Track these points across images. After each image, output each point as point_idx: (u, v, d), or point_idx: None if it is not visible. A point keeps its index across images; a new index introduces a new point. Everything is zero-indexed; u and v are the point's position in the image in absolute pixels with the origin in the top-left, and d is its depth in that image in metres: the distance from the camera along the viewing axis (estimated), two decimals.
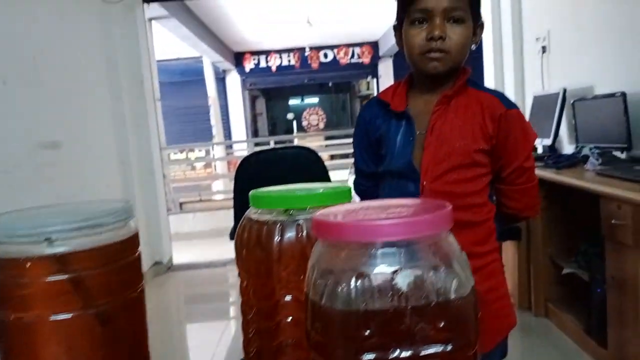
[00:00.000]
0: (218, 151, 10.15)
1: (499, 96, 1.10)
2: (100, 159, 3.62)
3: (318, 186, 0.61)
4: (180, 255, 4.62)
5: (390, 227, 0.38)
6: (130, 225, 0.64)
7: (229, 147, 10.78)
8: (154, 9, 5.54)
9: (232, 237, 2.10)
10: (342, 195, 0.56)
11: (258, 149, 10.47)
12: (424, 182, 1.07)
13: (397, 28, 1.12)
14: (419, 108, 1.11)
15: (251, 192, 0.59)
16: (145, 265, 4.09)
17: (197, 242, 5.43)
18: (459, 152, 1.06)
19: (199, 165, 10.47)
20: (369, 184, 1.23)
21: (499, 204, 1.16)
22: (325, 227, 0.40)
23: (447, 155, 1.07)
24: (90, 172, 3.43)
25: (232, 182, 2.03)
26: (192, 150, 10.40)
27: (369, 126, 1.18)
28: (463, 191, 1.07)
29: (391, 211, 0.42)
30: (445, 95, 1.08)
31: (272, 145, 9.25)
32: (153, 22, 6.34)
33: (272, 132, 14.24)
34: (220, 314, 3.48)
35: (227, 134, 11.66)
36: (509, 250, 2.94)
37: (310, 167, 1.94)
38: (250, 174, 1.97)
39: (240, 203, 1.99)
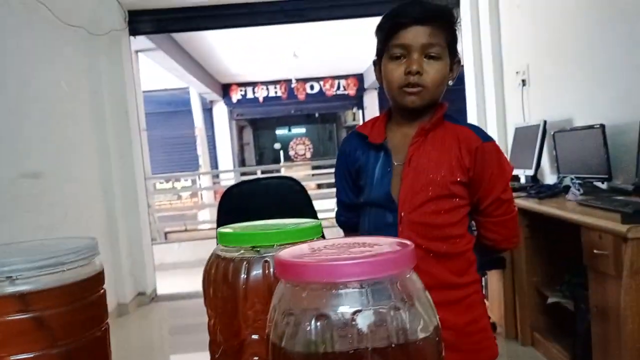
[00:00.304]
0: (204, 181, 10.13)
1: (475, 129, 1.13)
2: (83, 189, 3.59)
3: (287, 222, 0.60)
4: (165, 285, 4.55)
5: (351, 266, 0.37)
6: (95, 263, 0.62)
7: (216, 176, 10.76)
8: (141, 41, 5.59)
9: None
10: (311, 232, 0.56)
11: (244, 178, 10.47)
12: (402, 213, 1.09)
13: (377, 62, 1.15)
14: (397, 140, 1.14)
15: (218, 229, 0.58)
16: (129, 296, 4.03)
17: (182, 272, 5.35)
18: (436, 183, 1.08)
19: (185, 194, 10.40)
20: (350, 215, 1.25)
21: (478, 235, 1.17)
22: (286, 267, 0.39)
23: (424, 187, 1.08)
24: (72, 202, 3.39)
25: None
26: (178, 180, 10.36)
27: (349, 158, 1.21)
28: (441, 222, 1.08)
29: (354, 250, 0.42)
30: (423, 128, 1.11)
31: (259, 174, 9.26)
32: (140, 54, 6.41)
33: (260, 161, 14.27)
34: (204, 346, 3.38)
35: (214, 163, 11.65)
36: (494, 280, 2.94)
37: (294, 197, 1.94)
38: (233, 205, 1.95)
39: None
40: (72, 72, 3.60)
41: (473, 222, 1.18)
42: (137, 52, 6.38)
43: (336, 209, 1.28)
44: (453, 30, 1.11)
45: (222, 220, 1.96)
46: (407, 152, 1.11)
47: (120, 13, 4.02)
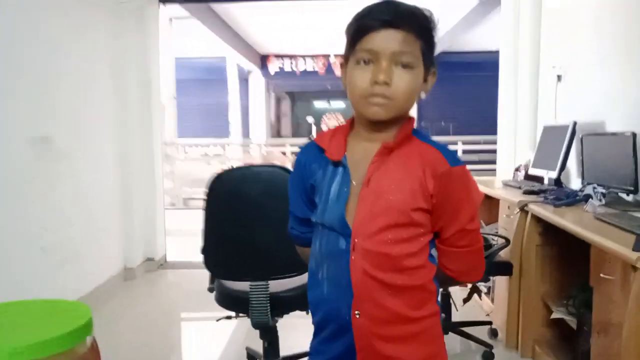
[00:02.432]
0: (234, 148, 10.16)
1: (444, 151, 0.99)
2: (97, 154, 3.61)
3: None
4: (176, 252, 4.57)
5: None
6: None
7: (246, 145, 10.79)
8: (176, 9, 5.55)
9: (202, 251, 2.03)
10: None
11: (273, 149, 10.38)
12: (356, 240, 0.97)
13: (344, 65, 1.02)
14: (358, 156, 1.01)
15: None
16: (137, 260, 4.07)
17: (197, 239, 5.35)
18: (396, 208, 0.96)
19: (213, 161, 10.46)
20: (303, 230, 1.13)
21: (439, 263, 1.05)
22: None
23: (382, 212, 0.96)
24: (85, 167, 3.41)
25: None
26: (208, 146, 10.41)
27: (304, 171, 1.08)
28: (398, 253, 0.97)
29: None
30: (386, 147, 0.98)
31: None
32: (175, 20, 6.37)
33: (295, 132, 14.26)
34: (207, 312, 3.35)
35: (246, 132, 11.68)
36: (501, 284, 2.81)
37: (285, 186, 1.86)
38: (223, 192, 1.88)
39: (212, 221, 1.91)
40: (94, 37, 3.58)
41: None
42: (171, 19, 6.37)
43: (289, 220, 1.18)
44: (430, 37, 0.97)
45: (210, 208, 1.90)
46: (366, 171, 0.99)
47: None
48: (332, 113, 13.78)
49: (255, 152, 8.56)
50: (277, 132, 13.92)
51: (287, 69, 11.31)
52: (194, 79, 10.94)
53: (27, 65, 2.79)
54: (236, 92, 10.40)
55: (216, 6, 6.60)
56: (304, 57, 11.02)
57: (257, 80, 11.88)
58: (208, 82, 11.41)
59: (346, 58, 1.01)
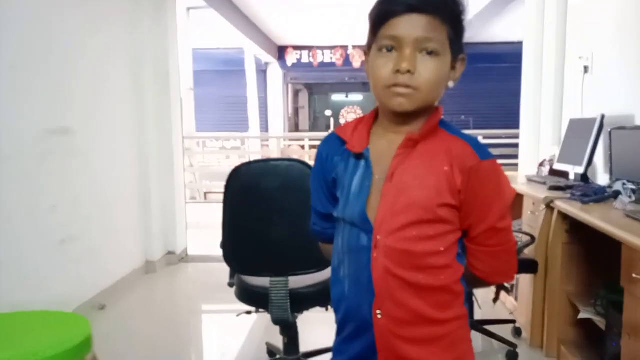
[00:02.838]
0: (253, 142, 10.14)
1: (473, 143, 0.93)
2: (115, 147, 3.61)
3: None
4: (198, 246, 4.58)
5: None
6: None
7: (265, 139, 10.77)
8: None
9: (222, 245, 2.01)
10: None
11: (291, 143, 10.35)
12: (378, 236, 0.93)
13: (367, 53, 0.97)
14: (381, 149, 0.96)
15: None
16: (158, 254, 4.08)
17: (217, 233, 5.36)
18: (420, 205, 0.91)
19: (232, 155, 10.47)
20: (326, 225, 1.09)
21: (467, 262, 1.00)
22: None
23: (406, 208, 0.91)
24: (103, 160, 3.41)
25: None
26: (228, 140, 10.41)
27: (325, 164, 1.04)
28: (422, 250, 0.92)
29: None
30: (410, 139, 0.93)
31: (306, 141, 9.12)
32: (192, 11, 6.35)
33: (314, 125, 14.20)
34: (228, 306, 3.34)
35: (265, 125, 11.66)
36: (525, 282, 2.75)
37: (304, 181, 1.82)
38: (241, 185, 1.86)
39: (231, 215, 1.89)
40: (112, 28, 3.57)
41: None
42: (189, 9, 6.34)
43: (312, 215, 1.14)
44: (459, 22, 0.92)
45: (229, 200, 1.88)
46: (390, 165, 0.94)
47: None
48: (350, 106, 13.69)
49: (274, 146, 8.53)
50: (295, 126, 13.86)
51: (305, 60, 11.25)
52: (212, 70, 10.93)
53: (45, 57, 2.79)
54: (254, 85, 10.37)
55: None
56: (322, 48, 10.95)
57: (275, 72, 11.84)
58: (226, 74, 11.40)
59: (369, 45, 0.96)
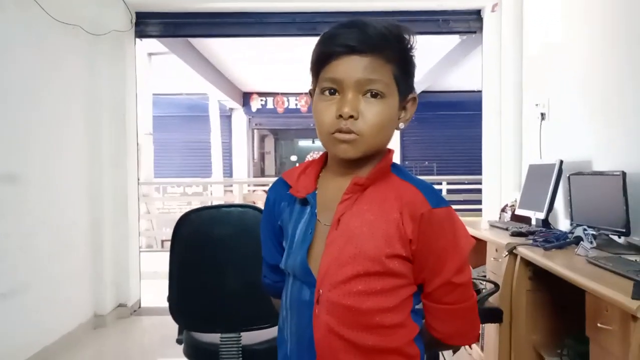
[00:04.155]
0: (216, 188, 9.99)
1: (425, 190, 0.86)
2: (67, 194, 3.43)
3: None
4: (152, 297, 4.34)
5: None
6: None
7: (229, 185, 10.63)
8: (155, 45, 5.47)
9: (168, 299, 1.87)
10: None
11: (256, 188, 10.23)
12: (320, 290, 0.84)
13: (311, 95, 0.91)
14: (329, 194, 0.89)
15: None
16: (109, 307, 3.84)
17: None
18: (367, 255, 0.83)
19: (194, 200, 10.27)
20: (276, 278, 1.00)
21: (425, 321, 0.91)
22: None
23: (351, 258, 0.83)
24: (53, 207, 3.23)
25: None
26: (190, 185, 10.21)
27: (273, 210, 0.97)
28: (370, 307, 0.83)
29: None
30: (357, 183, 0.86)
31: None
32: (154, 56, 6.30)
33: (280, 171, 14.15)
34: None
35: (229, 171, 11.53)
36: (491, 332, 2.67)
37: (258, 228, 1.71)
38: (190, 233, 1.75)
39: (179, 265, 1.76)
40: (68, 72, 3.47)
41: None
42: (150, 55, 6.30)
43: (262, 267, 1.04)
44: (405, 59, 0.86)
45: (176, 250, 1.76)
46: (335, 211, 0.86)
47: (127, 14, 3.88)
48: (316, 152, 13.75)
49: (237, 192, 8.40)
50: (261, 171, 13.80)
51: (270, 106, 11.30)
52: (176, 115, 10.85)
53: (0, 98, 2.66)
54: (217, 130, 10.31)
55: (196, 42, 6.54)
56: (286, 95, 11.03)
57: (239, 118, 11.83)
58: (190, 119, 11.32)
59: (313, 88, 0.89)
